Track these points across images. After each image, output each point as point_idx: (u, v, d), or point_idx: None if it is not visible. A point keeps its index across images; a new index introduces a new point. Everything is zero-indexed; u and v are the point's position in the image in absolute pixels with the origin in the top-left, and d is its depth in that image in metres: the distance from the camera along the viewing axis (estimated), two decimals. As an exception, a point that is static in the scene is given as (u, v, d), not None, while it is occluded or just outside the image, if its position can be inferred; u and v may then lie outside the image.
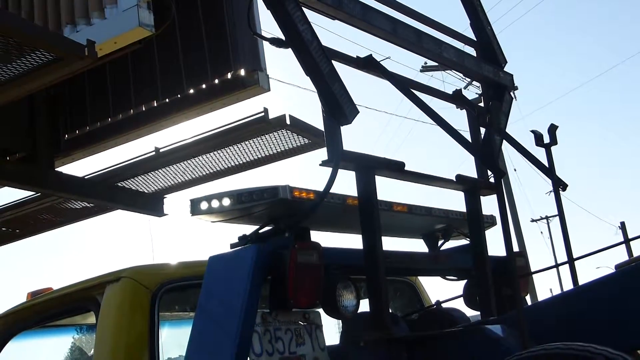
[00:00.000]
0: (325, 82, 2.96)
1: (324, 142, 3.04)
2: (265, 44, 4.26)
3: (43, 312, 4.11)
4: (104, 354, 3.51)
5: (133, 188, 6.19)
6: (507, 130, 4.04)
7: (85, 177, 6.03)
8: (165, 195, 6.37)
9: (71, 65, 3.80)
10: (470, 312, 4.10)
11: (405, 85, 3.45)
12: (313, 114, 5.81)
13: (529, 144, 4.10)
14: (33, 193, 6.02)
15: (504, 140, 3.98)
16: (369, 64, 3.38)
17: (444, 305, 4.16)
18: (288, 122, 5.05)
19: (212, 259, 3.08)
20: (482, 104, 4.32)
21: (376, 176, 3.18)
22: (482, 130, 3.98)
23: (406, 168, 3.31)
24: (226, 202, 3.12)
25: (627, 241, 4.09)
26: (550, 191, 4.04)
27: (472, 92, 27.27)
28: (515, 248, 3.68)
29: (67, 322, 4.56)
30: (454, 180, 3.66)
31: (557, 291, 35.72)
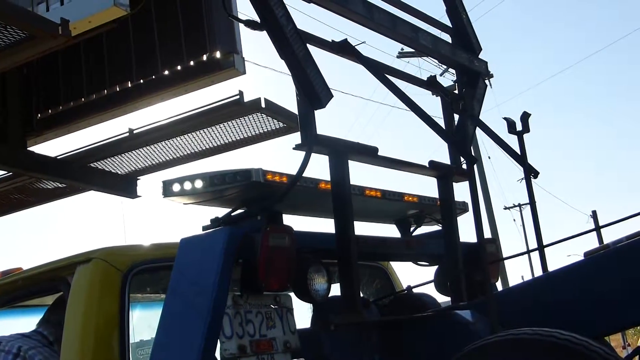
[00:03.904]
0: (299, 65, 2.95)
1: (297, 126, 3.03)
2: (241, 26, 4.25)
3: (12, 291, 4.08)
4: (74, 336, 3.50)
5: (106, 169, 6.16)
6: (481, 117, 4.05)
7: (58, 157, 6.00)
8: (138, 177, 6.35)
9: (44, 43, 3.77)
10: (441, 298, 4.13)
11: (380, 71, 3.44)
12: (288, 98, 5.81)
13: (502, 131, 4.13)
14: (4, 172, 5.98)
15: (478, 127, 4.00)
16: (344, 49, 3.37)
17: (415, 290, 4.18)
18: (263, 105, 5.04)
19: (183, 241, 3.07)
20: (456, 91, 4.32)
21: (350, 161, 3.18)
22: (456, 117, 3.99)
23: (380, 153, 3.31)
24: (199, 184, 3.11)
25: (597, 229, 4.13)
26: (522, 178, 4.07)
27: (449, 79, 27.39)
28: (488, 235, 3.71)
29: (37, 303, 4.53)
30: (427, 166, 3.67)
31: (528, 278, 36.04)
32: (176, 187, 3.18)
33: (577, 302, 3.20)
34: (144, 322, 4.29)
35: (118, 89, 5.41)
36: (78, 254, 3.79)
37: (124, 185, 6.31)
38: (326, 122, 3.16)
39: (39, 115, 5.84)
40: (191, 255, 3.03)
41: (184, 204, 3.29)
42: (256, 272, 2.92)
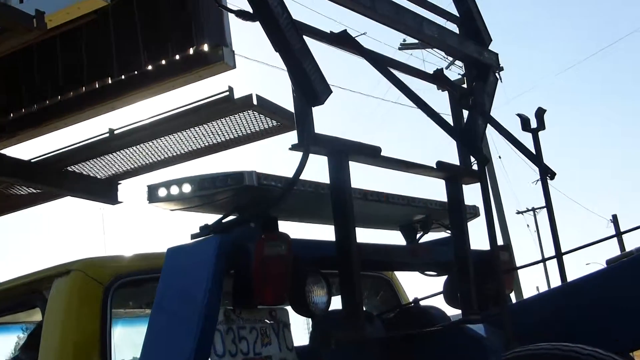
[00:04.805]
0: (295, 59, 2.94)
1: (293, 124, 3.02)
2: (231, 16, 4.24)
3: (-16, 308, 4.06)
4: (51, 355, 3.48)
5: (84, 173, 6.15)
6: (492, 113, 4.05)
7: (32, 161, 5.98)
8: (119, 181, 6.34)
9: (18, 37, 3.76)
10: (450, 311, 4.12)
11: (382, 64, 3.44)
12: (283, 94, 5.79)
13: (515, 129, 4.12)
14: (-27, 178, 5.95)
15: (488, 125, 3.99)
16: (343, 40, 3.36)
17: (422, 302, 4.17)
18: (255, 102, 5.03)
19: (170, 250, 3.05)
20: (464, 85, 4.32)
21: (350, 162, 3.17)
22: (465, 113, 3.98)
23: (383, 153, 3.31)
24: (186, 188, 3.09)
25: (619, 234, 4.14)
26: (537, 180, 4.07)
27: (455, 72, 27.43)
28: (500, 241, 3.70)
29: (11, 320, 4.52)
30: (434, 167, 3.66)
31: (544, 288, 36.12)
32: (162, 192, 3.16)
33: (599, 314, 3.19)
34: (127, 340, 4.28)
35: (97, 86, 5.40)
36: (55, 266, 3.78)
37: (104, 191, 6.30)
38: (324, 120, 3.15)
39: (12, 114, 5.82)
40: (179, 266, 3.02)
41: (171, 210, 3.28)
42: (250, 284, 2.91)
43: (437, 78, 4.03)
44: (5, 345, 4.03)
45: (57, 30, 4.16)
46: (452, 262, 3.85)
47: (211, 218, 3.15)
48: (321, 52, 3.30)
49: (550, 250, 3.97)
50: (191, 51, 4.92)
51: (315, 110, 2.97)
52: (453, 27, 4.26)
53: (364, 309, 3.58)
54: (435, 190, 4.23)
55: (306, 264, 3.21)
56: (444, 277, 4.18)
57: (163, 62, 5.05)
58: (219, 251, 2.90)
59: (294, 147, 2.93)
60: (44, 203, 6.61)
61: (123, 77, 5.25)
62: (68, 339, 3.47)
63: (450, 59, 25.91)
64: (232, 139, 5.65)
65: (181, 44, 4.97)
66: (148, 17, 5.14)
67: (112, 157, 5.88)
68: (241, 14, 3.11)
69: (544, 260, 4.36)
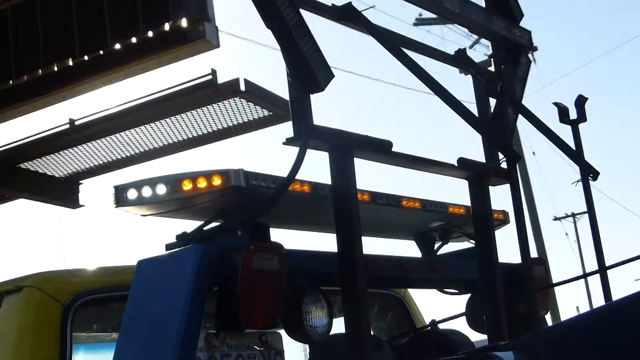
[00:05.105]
0: (291, 37, 2.95)
1: (288, 114, 3.03)
2: (215, -14, 4.25)
3: None
4: (1, 386, 3.49)
5: (40, 171, 6.15)
6: (524, 102, 4.06)
7: (-22, 156, 5.98)
8: (81, 181, 6.34)
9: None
10: (474, 335, 4.13)
11: (394, 42, 3.45)
12: (276, 79, 5.79)
13: (552, 120, 4.12)
14: None
15: (520, 115, 4.00)
16: (348, 15, 3.37)
17: (441, 326, 4.18)
18: (242, 88, 5.03)
19: (141, 263, 3.07)
20: (492, 68, 4.33)
21: (356, 159, 3.18)
22: (492, 101, 3.99)
23: (394, 149, 3.32)
24: (161, 190, 3.11)
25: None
26: (578, 181, 4.08)
27: (480, 52, 27.41)
28: (534, 253, 3.71)
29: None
30: (455, 165, 3.67)
31: (585, 309, 36.12)
32: (132, 194, 3.18)
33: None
34: (90, 369, 4.29)
35: (56, 68, 5.40)
36: (5, 282, 3.79)
37: (63, 192, 6.30)
38: (325, 109, 3.16)
39: (-46, 102, 5.83)
40: (151, 282, 3.03)
41: (142, 215, 3.29)
42: (236, 303, 2.92)
43: (459, 60, 4.04)
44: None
45: (8, 3, 4.16)
46: (477, 278, 3.86)
47: (190, 225, 3.16)
48: (321, 29, 3.31)
49: (592, 264, 3.97)
50: (166, 27, 4.92)
51: (314, 97, 2.98)
52: (478, 0, 4.27)
53: (372, 333, 3.58)
54: (456, 192, 4.24)
55: (303, 280, 3.23)
56: (467, 296, 4.19)
57: (133, 40, 5.05)
58: (200, 264, 2.91)
59: (289, 141, 2.94)
60: (-7, 206, 6.61)
61: (86, 57, 5.25)
62: (21, 368, 3.48)
63: (475, 37, 25.93)
64: (216, 131, 5.65)
65: (154, 19, 4.97)
66: (115, -13, 5.15)
67: (72, 152, 5.88)
68: (226, -17, 3.13)
69: (585, 275, 4.39)
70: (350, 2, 3.39)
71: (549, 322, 4.38)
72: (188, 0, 4.83)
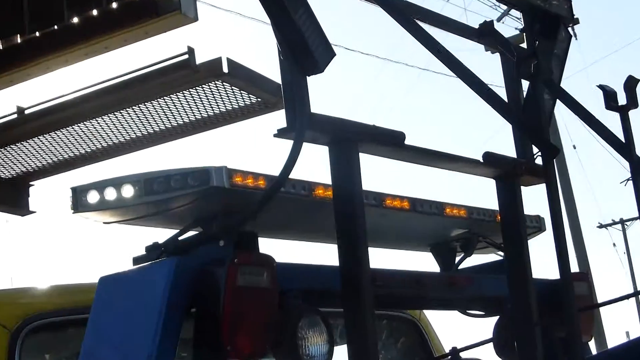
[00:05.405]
0: (284, 9, 2.95)
1: (281, 101, 3.03)
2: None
3: None
4: None
5: (-18, 170, 6.15)
6: (563, 84, 4.05)
7: None
8: (32, 183, 6.33)
9: None
10: (503, 365, 4.13)
11: (406, 14, 3.44)
12: (265, 58, 5.78)
13: (597, 106, 4.12)
14: None
15: (558, 100, 4.00)
16: (351, -19, 3.37)
17: (463, 354, 4.18)
18: (225, 69, 5.02)
19: (104, 281, 3.07)
20: (524, 45, 4.33)
21: (361, 154, 3.18)
22: (526, 84, 3.99)
23: (407, 141, 3.31)
24: (128, 192, 3.10)
25: None
26: (628, 179, 4.10)
27: (510, 26, 27.47)
28: (574, 267, 3.71)
29: None
30: (481, 161, 3.67)
31: (636, 334, 36.17)
32: (93, 198, 3.17)
33: None
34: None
35: (2, 47, 5.40)
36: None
37: (10, 196, 6.28)
38: (323, 93, 3.15)
39: None
40: (115, 304, 3.03)
41: (105, 223, 3.29)
42: (218, 327, 2.91)
43: (485, 34, 4.03)
44: None
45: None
46: (506, 297, 3.86)
47: (163, 234, 3.16)
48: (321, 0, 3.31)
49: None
50: (134, -3, 4.92)
51: (312, 81, 2.98)
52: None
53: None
54: (481, 194, 4.23)
55: (298, 299, 3.22)
56: (494, 319, 4.19)
57: (94, 12, 5.04)
58: (174, 281, 2.91)
59: (281, 133, 2.94)
60: None
61: (37, 34, 5.25)
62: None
63: (504, 7, 25.96)
64: (193, 121, 5.63)
65: (120, -13, 4.97)
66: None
67: (21, 147, 5.88)
68: (206, -56, 3.12)
69: (636, 294, 4.36)
70: (353, -33, 3.39)
71: (593, 350, 4.37)
72: (160, -35, 4.83)
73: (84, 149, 5.87)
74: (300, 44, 2.95)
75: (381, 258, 3.85)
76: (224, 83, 5.12)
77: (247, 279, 2.95)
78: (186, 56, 4.99)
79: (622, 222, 50.53)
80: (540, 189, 3.67)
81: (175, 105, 5.37)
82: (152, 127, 5.66)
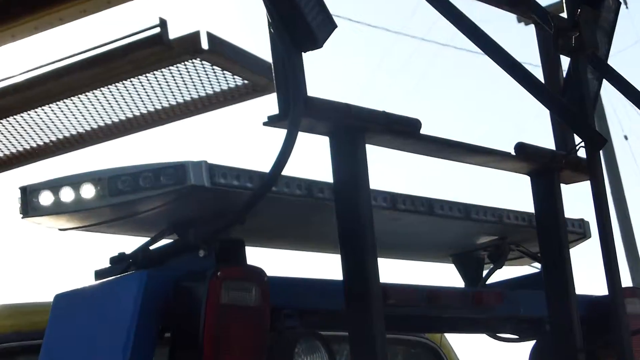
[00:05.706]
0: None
1: (271, 82, 3.03)
2: None
3: None
4: None
5: None
6: (611, 61, 4.05)
7: None
8: (-25, 181, 6.35)
9: None
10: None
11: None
12: (252, 32, 5.79)
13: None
14: None
15: (605, 81, 4.00)
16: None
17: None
18: (205, 45, 5.01)
19: (59, 299, 3.06)
20: (564, 14, 4.33)
21: (368, 145, 3.17)
22: (566, 61, 3.99)
23: (423, 130, 3.31)
24: (88, 192, 3.10)
25: None
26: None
27: (546, -6, 27.50)
28: (626, 280, 3.71)
29: None
30: (512, 153, 3.67)
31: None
32: (46, 199, 3.17)
33: None
34: None
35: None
36: None
37: (-49, 196, 6.33)
38: (323, 74, 3.14)
39: None
40: (74, 326, 3.03)
41: (61, 230, 3.28)
42: (198, 354, 2.90)
43: (518, 2, 4.03)
44: None
45: None
46: (544, 317, 3.86)
47: (131, 243, 3.15)
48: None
49: None
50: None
51: (308, 58, 2.98)
52: None
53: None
54: (513, 194, 4.22)
55: (294, 320, 3.22)
56: (530, 343, 4.19)
57: (49, -22, 5.06)
58: (145, 298, 2.91)
59: (272, 121, 2.93)
60: None
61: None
62: None
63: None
64: (167, 107, 5.64)
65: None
66: None
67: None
68: None
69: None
70: None
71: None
72: None
73: (36, 140, 5.87)
74: (295, 15, 2.94)
75: (393, 271, 3.85)
76: (203, 62, 5.10)
77: (232, 295, 2.94)
78: (157, 29, 4.97)
79: (682, 225, 50.73)
80: (584, 187, 3.67)
81: (144, 89, 5.36)
82: (117, 115, 5.65)
